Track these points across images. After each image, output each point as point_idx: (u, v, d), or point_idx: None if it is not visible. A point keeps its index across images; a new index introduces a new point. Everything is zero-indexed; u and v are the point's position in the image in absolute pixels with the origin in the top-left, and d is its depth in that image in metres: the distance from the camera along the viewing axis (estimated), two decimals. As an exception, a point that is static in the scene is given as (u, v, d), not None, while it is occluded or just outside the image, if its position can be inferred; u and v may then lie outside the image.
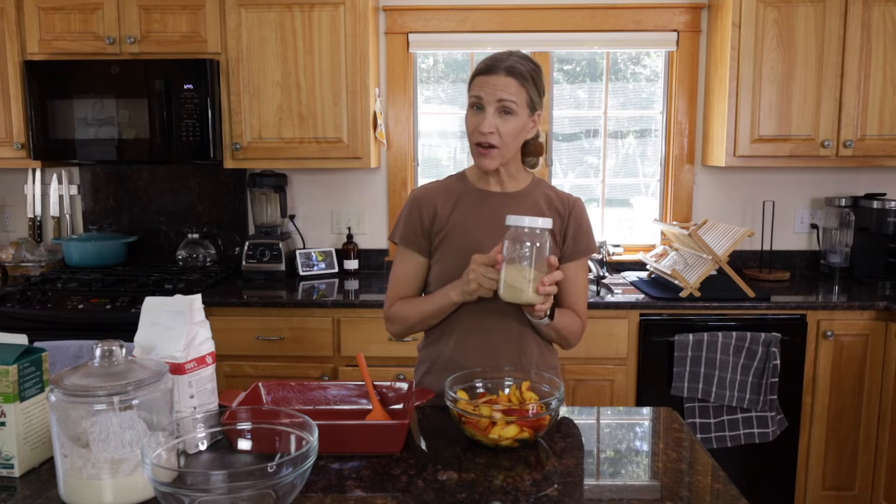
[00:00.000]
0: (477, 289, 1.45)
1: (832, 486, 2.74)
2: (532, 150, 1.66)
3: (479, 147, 1.54)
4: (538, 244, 1.36)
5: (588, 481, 1.17)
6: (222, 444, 1.16)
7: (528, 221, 1.36)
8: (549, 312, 1.46)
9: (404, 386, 1.46)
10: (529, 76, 1.53)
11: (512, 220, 1.38)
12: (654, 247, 3.27)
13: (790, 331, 2.62)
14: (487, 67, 1.53)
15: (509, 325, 1.58)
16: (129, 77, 2.79)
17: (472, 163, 1.66)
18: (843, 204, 3.09)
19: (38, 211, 3.27)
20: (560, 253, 1.62)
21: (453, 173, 1.71)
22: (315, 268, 3.13)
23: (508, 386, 1.42)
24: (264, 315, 2.67)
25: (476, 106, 1.53)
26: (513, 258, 1.36)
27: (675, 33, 3.13)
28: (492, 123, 1.51)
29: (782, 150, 2.87)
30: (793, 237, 3.27)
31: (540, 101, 1.57)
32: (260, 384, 1.44)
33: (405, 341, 2.58)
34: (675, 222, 3.20)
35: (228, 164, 2.92)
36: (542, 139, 1.69)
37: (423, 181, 3.21)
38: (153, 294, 2.57)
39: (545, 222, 1.36)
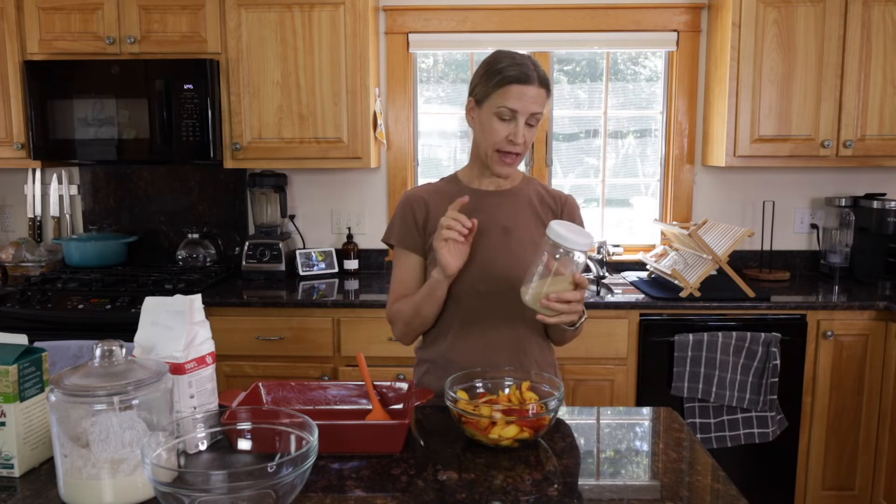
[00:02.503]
0: (445, 240, 1.42)
1: (832, 486, 2.74)
2: None
3: (506, 156, 1.53)
4: (557, 256, 1.32)
5: (588, 481, 1.17)
6: (222, 444, 1.16)
7: (555, 233, 1.30)
8: (576, 323, 1.45)
9: (404, 386, 1.46)
10: None
11: (551, 229, 1.32)
12: (654, 247, 3.27)
13: (790, 331, 2.62)
14: (524, 76, 1.47)
15: (507, 325, 1.58)
16: (129, 77, 2.79)
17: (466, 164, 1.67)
18: (843, 204, 3.09)
19: (38, 211, 3.27)
20: None
21: (444, 177, 1.71)
22: (315, 268, 3.13)
23: (508, 386, 1.42)
24: (264, 315, 2.67)
25: (505, 115, 1.49)
26: (539, 262, 1.35)
27: (675, 33, 3.13)
28: (523, 134, 1.50)
29: (782, 150, 2.87)
30: (793, 237, 3.27)
31: None
32: (260, 384, 1.44)
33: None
34: (675, 222, 3.20)
35: (228, 164, 2.92)
36: None
37: (423, 181, 3.20)
38: (153, 294, 2.57)
39: (573, 242, 1.31)
